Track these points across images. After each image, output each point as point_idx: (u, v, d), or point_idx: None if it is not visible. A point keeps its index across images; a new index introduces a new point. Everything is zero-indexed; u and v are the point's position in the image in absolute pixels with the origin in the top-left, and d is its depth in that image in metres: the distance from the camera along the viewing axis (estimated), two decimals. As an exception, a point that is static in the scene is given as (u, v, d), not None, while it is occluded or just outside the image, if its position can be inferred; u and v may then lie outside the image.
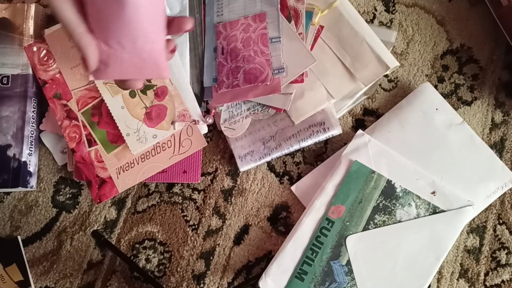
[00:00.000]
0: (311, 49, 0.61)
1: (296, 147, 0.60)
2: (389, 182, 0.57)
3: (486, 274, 0.59)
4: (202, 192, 0.63)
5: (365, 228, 0.56)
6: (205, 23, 0.64)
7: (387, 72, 0.59)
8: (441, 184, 0.57)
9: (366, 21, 0.62)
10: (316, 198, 0.58)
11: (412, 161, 0.58)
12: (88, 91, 0.61)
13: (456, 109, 0.62)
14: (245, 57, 0.60)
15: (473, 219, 0.60)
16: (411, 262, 0.56)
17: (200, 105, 0.61)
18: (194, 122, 0.59)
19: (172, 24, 0.44)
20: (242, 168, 0.60)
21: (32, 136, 0.63)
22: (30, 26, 0.64)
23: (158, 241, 0.62)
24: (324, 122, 0.60)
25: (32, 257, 0.63)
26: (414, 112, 0.60)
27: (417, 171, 0.58)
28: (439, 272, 0.60)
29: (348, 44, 0.60)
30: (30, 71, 0.63)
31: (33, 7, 0.64)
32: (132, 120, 0.59)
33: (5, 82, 0.62)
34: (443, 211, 0.57)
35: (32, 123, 0.63)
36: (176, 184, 0.63)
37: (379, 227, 0.57)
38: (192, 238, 0.62)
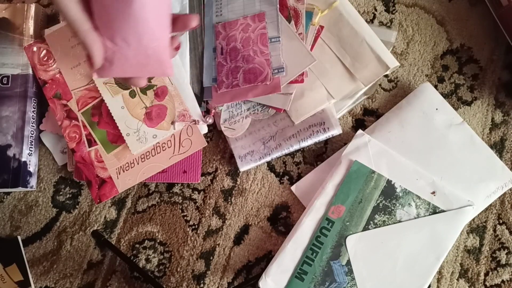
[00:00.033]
0: (311, 49, 0.61)
1: (296, 147, 0.60)
2: (389, 182, 0.57)
3: (486, 274, 0.59)
4: (202, 192, 0.63)
5: (365, 228, 0.56)
6: (204, 23, 0.64)
7: (387, 72, 0.59)
8: (441, 184, 0.57)
9: (366, 21, 0.62)
10: (316, 198, 0.58)
11: (412, 161, 0.58)
12: (88, 91, 0.61)
13: (456, 109, 0.62)
14: (245, 57, 0.60)
15: (473, 219, 0.60)
16: (411, 262, 0.56)
17: (200, 105, 0.61)
18: (194, 122, 0.59)
19: (177, 22, 0.44)
20: (242, 168, 0.60)
21: (32, 136, 0.63)
22: (30, 26, 0.64)
23: (158, 241, 0.62)
24: (324, 122, 0.60)
25: (32, 257, 0.63)
26: (414, 112, 0.60)
27: (417, 171, 0.58)
28: (439, 272, 0.60)
29: (348, 44, 0.60)
30: (30, 71, 0.63)
31: (33, 7, 0.64)
32: (132, 120, 0.59)
33: (5, 82, 0.62)
34: (443, 211, 0.57)
35: (32, 123, 0.63)
36: (176, 184, 0.63)
37: (379, 227, 0.57)
38: (192, 238, 0.62)
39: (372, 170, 0.58)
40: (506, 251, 0.60)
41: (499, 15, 0.61)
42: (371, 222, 0.57)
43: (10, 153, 0.61)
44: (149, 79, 0.60)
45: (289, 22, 0.61)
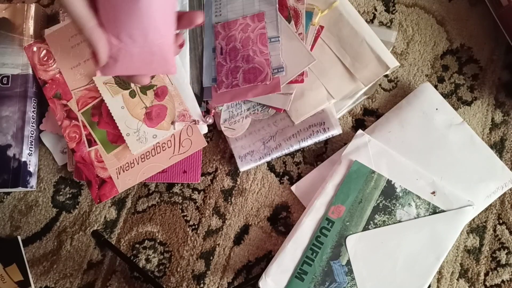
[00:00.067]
0: (311, 49, 0.61)
1: (296, 147, 0.60)
2: (389, 182, 0.57)
3: (486, 274, 0.59)
4: (202, 192, 0.63)
5: (365, 228, 0.56)
6: (203, 23, 0.64)
7: (387, 72, 0.59)
8: (441, 184, 0.57)
9: (366, 21, 0.62)
10: (316, 198, 0.58)
11: (412, 161, 0.58)
12: (88, 91, 0.61)
13: (456, 109, 0.62)
14: (244, 57, 0.60)
15: (473, 219, 0.60)
16: (411, 262, 0.56)
17: (200, 105, 0.61)
18: (194, 122, 0.59)
19: (183, 19, 0.44)
20: (242, 168, 0.60)
21: (32, 136, 0.63)
22: (30, 26, 0.64)
23: (158, 241, 0.62)
24: (324, 122, 0.60)
25: (32, 257, 0.63)
26: (414, 112, 0.60)
27: (417, 171, 0.58)
28: (439, 272, 0.60)
29: (348, 44, 0.60)
30: (30, 71, 0.63)
31: (33, 7, 0.64)
32: (132, 120, 0.59)
33: (5, 82, 0.62)
34: (443, 211, 0.57)
35: (32, 123, 0.63)
36: (176, 184, 0.63)
37: (379, 227, 0.56)
38: (192, 238, 0.62)
39: (372, 170, 0.58)
40: (506, 251, 0.60)
41: (499, 15, 0.61)
42: (371, 222, 0.57)
43: (10, 153, 0.61)
44: (150, 78, 0.60)
45: (289, 22, 0.61)
